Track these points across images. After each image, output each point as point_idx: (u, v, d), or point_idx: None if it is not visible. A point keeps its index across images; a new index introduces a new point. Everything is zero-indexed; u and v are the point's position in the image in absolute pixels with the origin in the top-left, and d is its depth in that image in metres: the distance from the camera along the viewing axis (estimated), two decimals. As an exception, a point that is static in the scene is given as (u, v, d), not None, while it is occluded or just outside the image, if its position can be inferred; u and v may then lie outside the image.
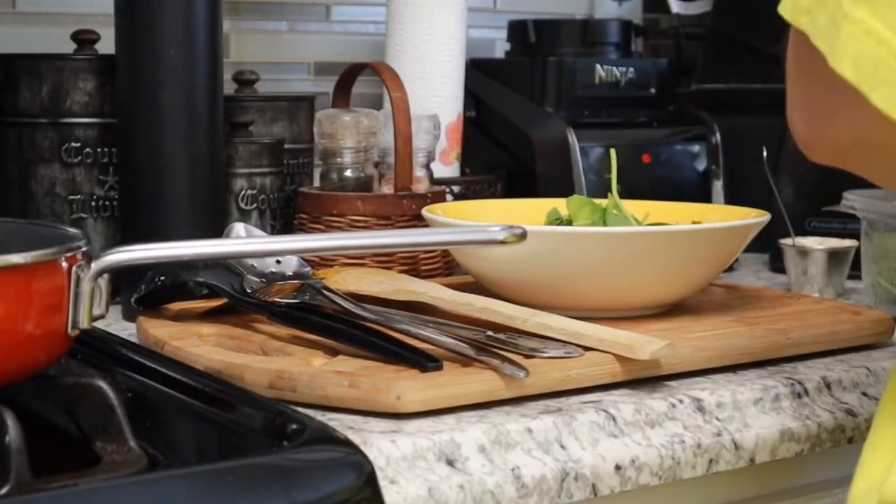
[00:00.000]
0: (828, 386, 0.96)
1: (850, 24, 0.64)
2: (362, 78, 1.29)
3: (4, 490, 0.62)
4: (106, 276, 0.76)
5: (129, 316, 1.09)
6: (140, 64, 1.08)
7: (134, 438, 0.70)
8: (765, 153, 1.32)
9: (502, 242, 0.81)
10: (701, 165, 1.47)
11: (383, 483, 0.73)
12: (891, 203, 1.21)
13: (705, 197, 1.46)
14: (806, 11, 0.67)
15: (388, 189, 1.24)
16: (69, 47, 1.19)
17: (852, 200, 1.25)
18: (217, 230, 1.08)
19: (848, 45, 0.64)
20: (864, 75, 0.63)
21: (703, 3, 1.67)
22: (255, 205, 1.21)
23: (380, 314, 0.94)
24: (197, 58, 1.08)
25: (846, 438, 0.94)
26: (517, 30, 1.54)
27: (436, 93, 1.36)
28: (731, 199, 1.46)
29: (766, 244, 1.40)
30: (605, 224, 1.11)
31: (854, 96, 0.65)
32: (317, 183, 1.27)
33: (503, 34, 1.59)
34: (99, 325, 0.86)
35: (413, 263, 1.19)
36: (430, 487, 0.76)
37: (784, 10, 0.69)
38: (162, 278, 1.02)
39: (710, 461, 0.87)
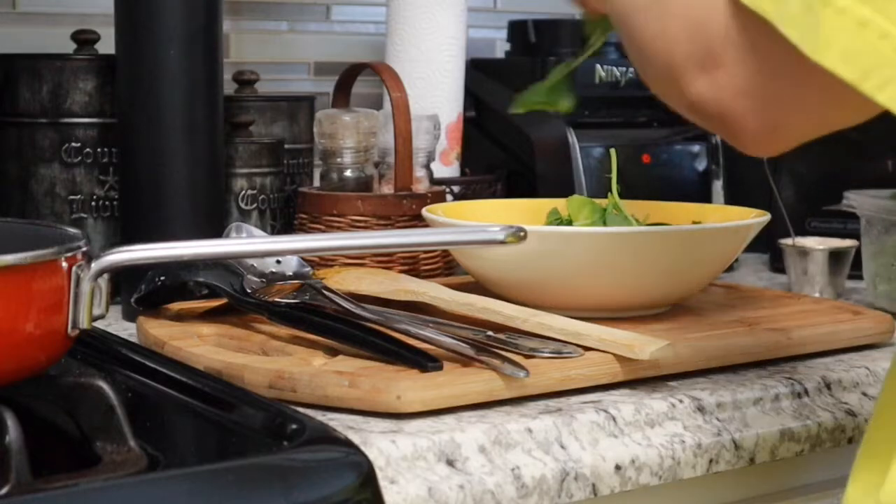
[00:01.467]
0: (828, 386, 0.96)
1: (836, 14, 0.59)
2: (362, 78, 1.29)
3: (4, 490, 0.62)
4: (106, 276, 0.76)
5: (129, 316, 1.09)
6: (140, 64, 1.08)
7: (134, 438, 0.70)
8: (765, 153, 1.32)
9: (502, 242, 0.81)
10: (701, 165, 1.47)
11: (383, 483, 0.73)
12: (889, 202, 1.22)
13: (705, 197, 1.46)
14: None
15: (388, 189, 1.24)
16: (69, 47, 1.19)
17: (852, 199, 1.25)
18: (217, 230, 1.09)
19: (835, 37, 0.59)
20: (863, 72, 0.59)
21: (703, 3, 1.67)
22: (255, 205, 1.21)
23: (380, 314, 0.94)
24: (197, 58, 1.08)
25: (846, 438, 0.94)
26: (517, 30, 1.54)
27: (436, 93, 1.36)
28: (731, 199, 1.46)
29: (766, 244, 1.40)
30: (605, 224, 1.11)
31: (829, 89, 0.62)
32: (317, 183, 1.27)
33: (503, 34, 1.59)
34: (99, 325, 0.86)
35: (413, 263, 1.19)
36: (430, 487, 0.76)
37: None
38: (162, 278, 1.02)
39: (710, 461, 0.87)
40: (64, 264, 0.74)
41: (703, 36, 0.66)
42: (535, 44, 1.51)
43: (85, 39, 1.19)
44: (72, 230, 0.82)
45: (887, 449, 0.71)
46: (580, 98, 1.45)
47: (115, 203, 1.16)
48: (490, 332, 0.92)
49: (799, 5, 0.61)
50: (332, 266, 1.13)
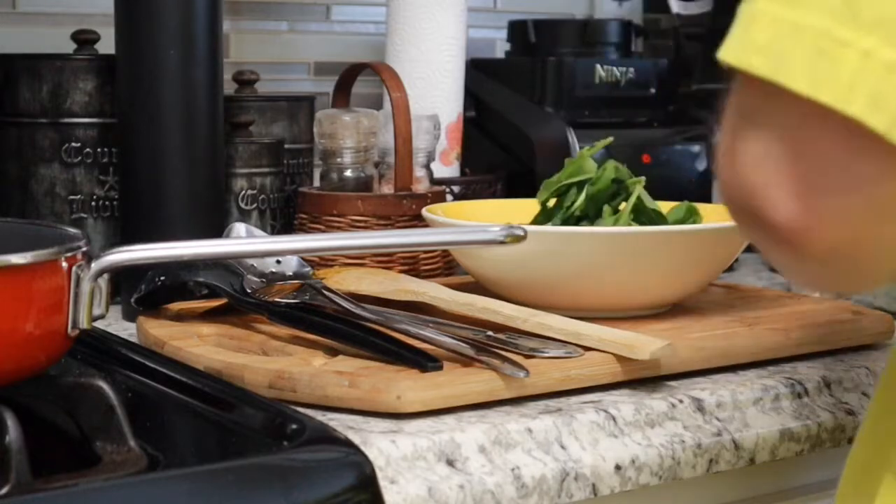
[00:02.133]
0: (828, 386, 0.96)
1: (860, 57, 0.53)
2: (362, 78, 1.29)
3: (4, 490, 0.62)
4: (106, 276, 0.76)
5: (129, 316, 1.09)
6: (140, 64, 1.08)
7: (134, 438, 0.71)
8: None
9: (502, 242, 0.81)
10: (701, 165, 1.47)
11: (383, 483, 0.73)
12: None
13: (705, 197, 1.46)
14: (761, 52, 0.55)
15: (388, 189, 1.24)
16: (69, 47, 1.19)
17: None
18: (217, 230, 1.08)
19: (860, 81, 0.53)
20: (893, 120, 0.52)
21: (703, 3, 1.67)
22: (255, 205, 1.21)
23: (380, 314, 0.94)
24: (197, 58, 1.08)
25: (846, 438, 0.94)
26: (517, 30, 1.54)
27: (436, 93, 1.36)
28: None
29: (766, 244, 1.39)
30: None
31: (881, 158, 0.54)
32: (317, 183, 1.27)
33: (503, 34, 1.59)
34: (99, 325, 0.86)
35: (413, 263, 1.19)
36: (430, 487, 0.76)
37: (729, 54, 0.56)
38: (162, 278, 1.02)
39: (710, 461, 0.87)
40: (64, 264, 0.74)
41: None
42: (535, 44, 1.51)
43: (85, 39, 1.19)
44: (72, 230, 0.82)
45: (878, 462, 0.70)
46: (580, 98, 1.46)
47: (115, 203, 1.16)
48: (490, 332, 0.92)
49: (804, 51, 0.54)
50: (332, 266, 1.13)
